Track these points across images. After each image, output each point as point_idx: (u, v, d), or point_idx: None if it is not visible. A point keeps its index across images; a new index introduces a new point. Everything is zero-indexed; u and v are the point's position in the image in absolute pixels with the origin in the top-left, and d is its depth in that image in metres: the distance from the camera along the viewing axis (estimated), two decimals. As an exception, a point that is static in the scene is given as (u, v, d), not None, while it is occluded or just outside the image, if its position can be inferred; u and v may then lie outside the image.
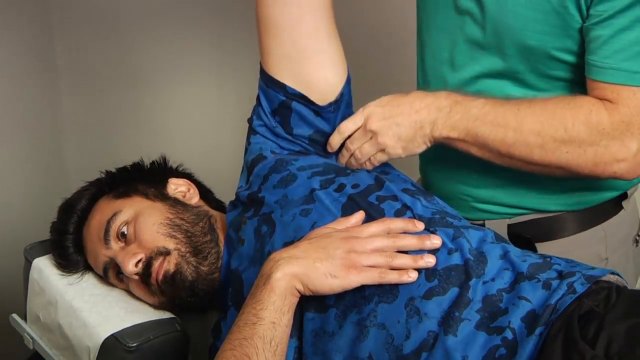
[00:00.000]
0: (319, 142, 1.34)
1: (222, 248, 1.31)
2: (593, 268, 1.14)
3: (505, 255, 1.14)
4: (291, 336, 1.10)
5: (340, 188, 1.23)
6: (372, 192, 1.22)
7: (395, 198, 1.22)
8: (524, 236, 1.35)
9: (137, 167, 1.43)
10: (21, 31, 2.10)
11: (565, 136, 1.20)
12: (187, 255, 1.27)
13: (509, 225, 1.36)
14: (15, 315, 1.45)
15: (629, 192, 1.39)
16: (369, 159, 1.30)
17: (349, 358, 1.09)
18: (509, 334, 1.04)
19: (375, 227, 1.14)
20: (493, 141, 1.23)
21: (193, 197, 1.39)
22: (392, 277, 1.09)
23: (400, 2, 2.01)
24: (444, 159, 1.35)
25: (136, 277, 1.28)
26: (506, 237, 1.34)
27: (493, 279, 1.10)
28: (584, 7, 1.18)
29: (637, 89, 1.17)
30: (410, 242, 1.13)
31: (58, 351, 1.36)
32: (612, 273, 1.14)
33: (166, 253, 1.27)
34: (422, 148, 1.29)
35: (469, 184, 1.37)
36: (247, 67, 2.27)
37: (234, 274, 1.25)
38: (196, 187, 1.42)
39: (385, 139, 1.27)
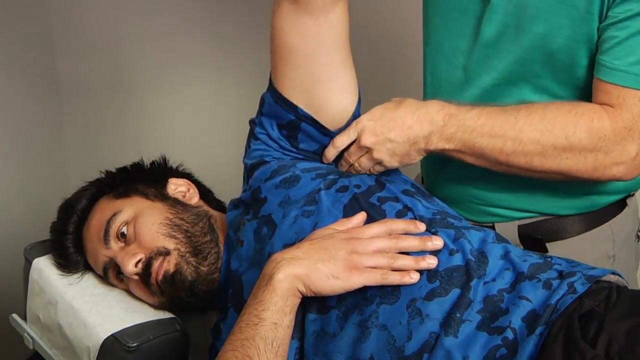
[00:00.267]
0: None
1: (222, 248, 1.31)
2: (593, 268, 1.14)
3: (506, 255, 1.14)
4: (292, 337, 1.09)
5: (344, 189, 1.23)
6: (373, 193, 1.23)
7: (396, 199, 1.22)
8: (534, 237, 1.35)
9: (137, 167, 1.43)
10: (21, 32, 2.10)
11: (566, 144, 1.20)
12: (187, 255, 1.27)
13: (519, 227, 1.36)
14: (15, 315, 1.45)
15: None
16: (368, 169, 1.30)
17: (350, 359, 1.09)
18: (509, 334, 1.04)
19: (377, 228, 1.15)
20: (491, 151, 1.23)
21: (193, 197, 1.39)
22: (394, 279, 1.09)
23: (400, 3, 2.01)
24: (450, 162, 1.33)
25: (136, 277, 1.28)
26: (516, 238, 1.35)
27: (494, 279, 1.11)
28: (604, 10, 1.18)
29: None
30: (412, 243, 1.13)
31: (58, 351, 1.36)
32: (613, 273, 1.14)
33: (166, 253, 1.27)
34: (418, 159, 1.29)
35: (478, 186, 1.36)
36: (246, 66, 2.28)
37: (233, 275, 1.25)
38: (196, 187, 1.42)
39: (380, 155, 1.27)
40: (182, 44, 2.27)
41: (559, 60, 1.24)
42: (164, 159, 1.44)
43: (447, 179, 1.39)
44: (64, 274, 1.37)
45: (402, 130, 1.25)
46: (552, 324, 1.03)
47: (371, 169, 1.30)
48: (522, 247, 1.33)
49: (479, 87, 1.30)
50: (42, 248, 1.42)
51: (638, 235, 1.44)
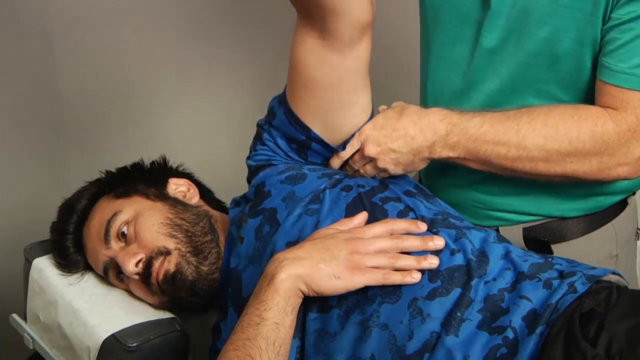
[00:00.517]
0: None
1: (222, 248, 1.31)
2: (594, 268, 1.14)
3: (507, 255, 1.14)
4: (293, 336, 1.09)
5: (348, 188, 1.24)
6: (376, 193, 1.23)
7: (398, 199, 1.22)
8: (540, 239, 1.35)
9: (137, 167, 1.43)
10: (21, 32, 2.10)
11: (570, 148, 1.20)
12: (188, 255, 1.27)
13: (524, 229, 1.36)
14: (15, 315, 1.45)
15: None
16: (373, 175, 1.30)
17: (351, 358, 1.09)
18: (510, 334, 1.05)
19: (379, 228, 1.15)
20: (496, 158, 1.23)
21: (193, 197, 1.39)
22: (396, 278, 1.09)
23: (400, 4, 2.01)
24: (452, 168, 1.33)
25: (136, 277, 1.28)
26: (521, 242, 1.35)
27: (494, 279, 1.11)
28: (608, 11, 1.18)
29: None
30: (414, 243, 1.13)
31: (58, 351, 1.36)
32: (613, 273, 1.14)
33: (166, 253, 1.27)
34: (422, 166, 1.29)
35: (482, 191, 1.36)
36: (246, 66, 2.28)
37: (232, 273, 1.25)
38: (196, 187, 1.42)
39: (384, 164, 1.27)
40: (182, 45, 2.27)
41: (564, 64, 1.24)
42: (164, 159, 1.44)
43: (450, 185, 1.39)
44: (64, 274, 1.37)
45: (405, 140, 1.25)
46: (553, 323, 1.04)
47: (376, 175, 1.30)
48: (527, 250, 1.33)
49: (482, 93, 1.30)
50: (42, 248, 1.42)
51: (637, 233, 1.45)
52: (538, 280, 1.09)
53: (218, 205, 1.44)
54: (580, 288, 1.07)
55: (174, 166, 1.45)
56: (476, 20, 1.29)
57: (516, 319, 1.05)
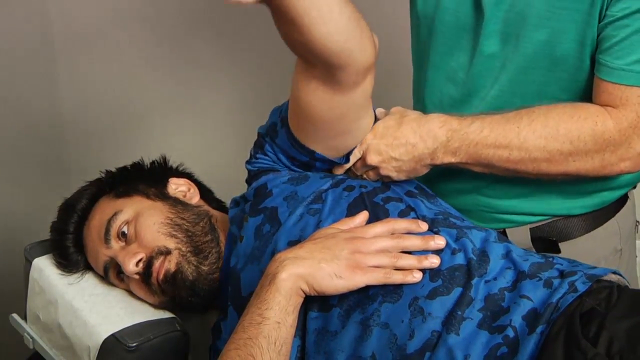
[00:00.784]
0: None
1: (222, 248, 1.31)
2: (594, 267, 1.14)
3: (507, 255, 1.15)
4: (294, 335, 1.09)
5: (350, 188, 1.24)
6: (377, 194, 1.23)
7: (400, 200, 1.23)
8: (548, 239, 1.35)
9: (137, 166, 1.42)
10: (22, 32, 2.10)
11: (572, 148, 1.20)
12: (188, 254, 1.27)
13: (531, 230, 1.36)
14: (15, 315, 1.45)
15: None
16: (376, 181, 1.30)
17: (352, 357, 1.10)
18: (510, 333, 1.05)
19: (380, 227, 1.15)
20: (498, 161, 1.23)
21: (193, 197, 1.39)
22: (397, 278, 1.09)
23: (400, 4, 2.01)
24: (455, 174, 1.33)
25: (137, 276, 1.28)
26: (529, 242, 1.35)
27: (495, 278, 1.11)
28: (603, 9, 1.18)
29: None
30: (415, 242, 1.13)
31: (58, 351, 1.36)
32: (614, 272, 1.15)
33: (167, 252, 1.27)
34: (425, 172, 1.28)
35: (488, 195, 1.36)
36: (246, 67, 2.28)
37: (232, 272, 1.25)
38: (196, 186, 1.42)
39: (387, 172, 1.27)
40: (182, 46, 2.27)
41: (564, 65, 1.24)
42: (164, 159, 1.44)
43: (455, 191, 1.38)
44: (64, 273, 1.37)
45: (406, 148, 1.25)
46: (553, 322, 1.04)
47: (380, 180, 1.30)
48: (534, 250, 1.33)
49: (483, 100, 1.30)
50: (42, 248, 1.42)
51: (637, 225, 1.45)
52: (538, 280, 1.09)
53: (218, 205, 1.44)
54: (581, 287, 1.07)
55: (174, 166, 1.45)
56: (472, 28, 1.29)
57: (517, 318, 1.05)
